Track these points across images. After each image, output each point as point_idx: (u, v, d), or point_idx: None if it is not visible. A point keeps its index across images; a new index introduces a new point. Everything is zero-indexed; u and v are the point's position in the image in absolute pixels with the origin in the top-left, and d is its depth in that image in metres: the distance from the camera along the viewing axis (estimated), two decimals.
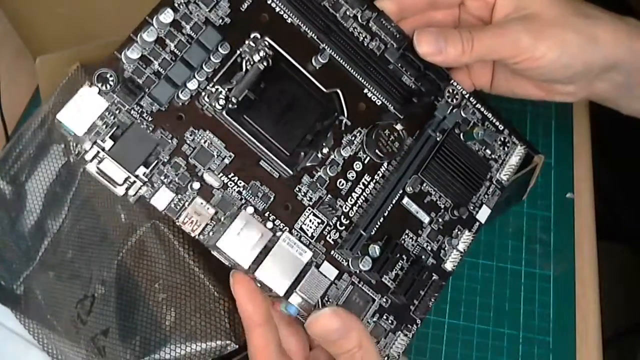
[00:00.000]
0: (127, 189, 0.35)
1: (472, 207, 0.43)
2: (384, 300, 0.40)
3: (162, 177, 0.36)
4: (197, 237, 0.37)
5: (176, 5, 0.38)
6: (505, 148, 0.45)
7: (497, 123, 0.45)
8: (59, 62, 0.50)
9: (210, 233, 0.37)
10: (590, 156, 0.62)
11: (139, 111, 0.36)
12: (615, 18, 0.44)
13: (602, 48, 0.43)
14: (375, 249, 0.39)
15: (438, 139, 0.42)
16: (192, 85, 0.37)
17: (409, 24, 0.44)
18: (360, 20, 0.42)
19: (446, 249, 0.42)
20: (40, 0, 0.55)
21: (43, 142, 0.51)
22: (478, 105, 0.44)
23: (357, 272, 0.40)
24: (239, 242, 0.36)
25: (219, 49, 0.38)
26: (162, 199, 0.36)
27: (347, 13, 0.42)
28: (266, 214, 0.38)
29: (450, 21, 0.47)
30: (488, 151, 0.44)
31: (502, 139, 0.45)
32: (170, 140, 0.37)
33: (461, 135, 0.43)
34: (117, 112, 0.35)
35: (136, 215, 0.46)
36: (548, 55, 0.42)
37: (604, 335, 0.55)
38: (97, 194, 0.48)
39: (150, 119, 0.36)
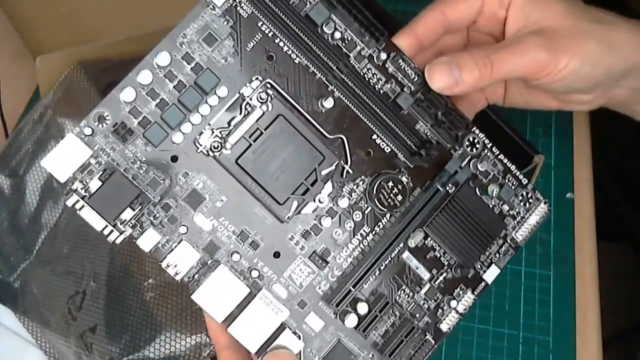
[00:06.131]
0: (107, 236, 0.36)
1: (479, 266, 0.41)
2: (370, 356, 0.39)
3: (152, 218, 0.36)
4: (180, 280, 0.37)
5: (178, 44, 0.37)
6: (527, 205, 0.42)
7: (521, 176, 0.42)
8: (59, 62, 0.51)
9: (196, 275, 0.37)
10: (590, 156, 0.61)
11: (133, 152, 0.36)
12: (629, 23, 0.42)
13: (620, 54, 0.41)
14: (363, 307, 0.38)
15: (450, 191, 0.40)
16: (187, 128, 0.37)
17: (422, 56, 0.42)
18: (375, 61, 0.39)
19: (444, 308, 0.40)
20: (40, 0, 0.55)
21: (41, 137, 0.52)
22: (501, 156, 0.41)
23: (343, 326, 0.39)
24: (213, 295, 0.36)
25: (217, 92, 0.37)
26: (148, 240, 0.36)
27: (362, 53, 0.39)
28: (254, 261, 0.38)
29: (461, 42, 0.45)
30: (506, 207, 0.41)
31: (524, 193, 0.42)
32: (162, 181, 0.37)
33: (477, 189, 0.41)
34: (104, 157, 0.36)
35: None
36: (569, 67, 0.39)
37: (604, 335, 0.54)
38: None
39: (143, 158, 0.36)
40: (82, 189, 0.35)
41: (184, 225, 0.37)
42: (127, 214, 0.36)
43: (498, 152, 0.41)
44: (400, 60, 0.40)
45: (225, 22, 0.38)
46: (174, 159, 0.37)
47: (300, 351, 0.37)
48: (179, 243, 0.37)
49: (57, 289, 0.51)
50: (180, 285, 0.45)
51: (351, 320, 0.38)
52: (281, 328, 0.37)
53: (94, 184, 0.35)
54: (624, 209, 0.80)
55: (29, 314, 0.52)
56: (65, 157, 0.35)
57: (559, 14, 0.40)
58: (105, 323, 0.48)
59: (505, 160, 0.41)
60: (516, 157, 0.42)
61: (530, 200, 0.42)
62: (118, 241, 0.36)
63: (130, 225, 0.36)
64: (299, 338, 0.37)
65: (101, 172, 0.35)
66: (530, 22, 0.41)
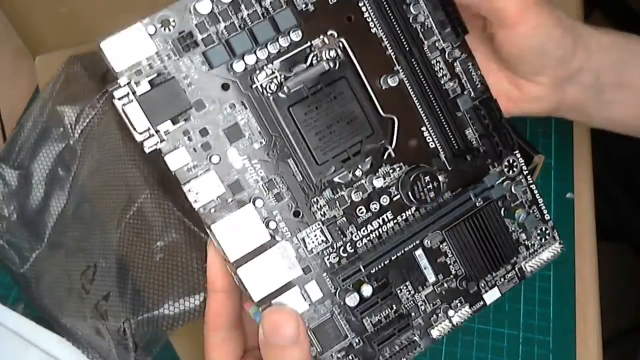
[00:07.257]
0: (144, 140, 0.34)
1: (482, 284, 0.40)
2: (357, 340, 0.38)
3: (186, 138, 0.35)
4: (197, 209, 0.35)
5: None
6: (543, 240, 0.42)
7: (545, 211, 0.42)
8: (58, 61, 0.51)
9: (212, 210, 0.35)
10: (590, 156, 0.61)
11: (187, 66, 0.35)
12: (608, 34, 0.44)
13: (583, 45, 0.42)
14: (368, 289, 0.37)
15: (478, 204, 0.40)
16: (250, 59, 0.35)
17: None
18: (446, 56, 0.39)
19: (439, 315, 0.40)
20: (40, 0, 0.54)
21: (43, 128, 0.53)
22: (532, 186, 0.41)
23: (341, 303, 0.38)
24: (233, 232, 0.35)
25: (291, 34, 0.36)
26: (177, 158, 0.35)
27: (436, 44, 0.39)
28: (273, 213, 0.36)
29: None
30: (523, 235, 0.41)
31: (543, 228, 0.42)
32: (207, 105, 0.35)
33: (502, 210, 0.40)
34: (164, 59, 0.34)
35: (135, 187, 0.47)
36: (529, 21, 0.40)
37: (604, 335, 0.54)
38: (97, 172, 0.49)
39: (196, 76, 0.35)
40: (135, 83, 0.33)
41: (216, 155, 0.35)
42: (167, 126, 0.34)
43: (532, 182, 0.41)
44: (470, 64, 0.39)
45: None
46: (226, 87, 0.35)
47: (302, 312, 0.36)
48: (206, 171, 0.35)
49: (70, 269, 0.50)
50: (188, 244, 0.44)
51: (352, 299, 0.37)
52: (290, 285, 0.36)
53: (144, 85, 0.33)
54: (624, 209, 0.80)
55: (44, 300, 0.50)
56: (127, 46, 0.33)
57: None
58: (117, 289, 0.47)
59: (536, 192, 0.41)
60: None
61: (547, 237, 0.42)
62: (149, 150, 0.34)
63: (164, 139, 0.34)
64: (304, 299, 0.36)
65: (155, 75, 0.34)
66: None
